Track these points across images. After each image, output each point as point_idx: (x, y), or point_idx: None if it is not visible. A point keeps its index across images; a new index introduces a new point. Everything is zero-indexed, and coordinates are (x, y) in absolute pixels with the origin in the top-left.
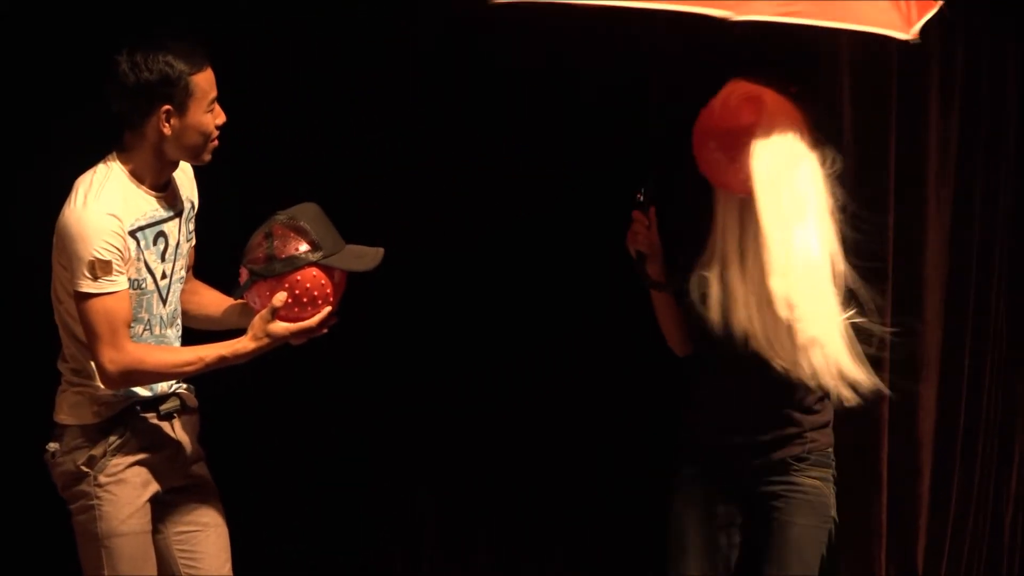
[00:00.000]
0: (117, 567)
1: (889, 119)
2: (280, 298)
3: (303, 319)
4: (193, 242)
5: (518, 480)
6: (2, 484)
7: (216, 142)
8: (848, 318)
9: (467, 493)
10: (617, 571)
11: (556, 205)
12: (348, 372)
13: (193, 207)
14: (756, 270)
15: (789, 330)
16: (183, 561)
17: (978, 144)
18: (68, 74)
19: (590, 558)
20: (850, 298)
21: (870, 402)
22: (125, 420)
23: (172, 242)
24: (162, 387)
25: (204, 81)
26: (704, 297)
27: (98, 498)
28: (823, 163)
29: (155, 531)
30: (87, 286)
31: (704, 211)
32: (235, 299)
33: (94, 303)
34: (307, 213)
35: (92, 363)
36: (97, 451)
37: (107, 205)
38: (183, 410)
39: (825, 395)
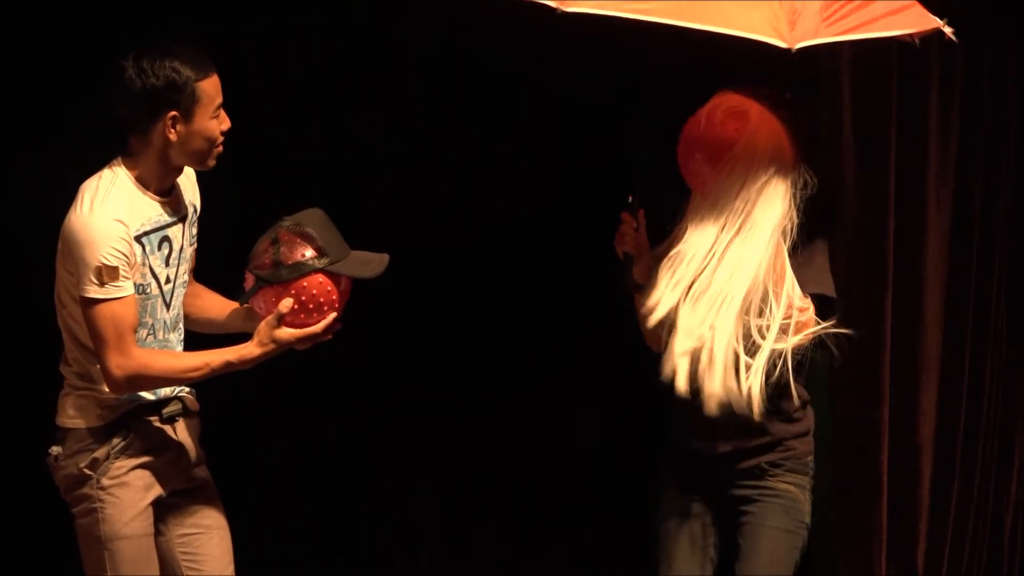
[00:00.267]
0: (120, 570)
1: (889, 119)
2: (286, 304)
3: (309, 325)
4: (195, 246)
5: (518, 480)
6: (4, 487)
7: (221, 148)
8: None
9: (467, 493)
10: (617, 571)
11: (555, 205)
12: (348, 372)
13: (196, 211)
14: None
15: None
16: (186, 563)
17: (978, 144)
18: (69, 76)
19: (590, 558)
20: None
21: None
22: (128, 423)
23: (176, 247)
24: (165, 391)
25: (210, 87)
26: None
27: (101, 501)
28: (795, 184)
29: (157, 534)
30: (94, 292)
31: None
32: (240, 304)
33: (101, 308)
34: (313, 219)
35: (96, 367)
36: (100, 454)
37: (113, 211)
38: (185, 413)
39: (806, 403)
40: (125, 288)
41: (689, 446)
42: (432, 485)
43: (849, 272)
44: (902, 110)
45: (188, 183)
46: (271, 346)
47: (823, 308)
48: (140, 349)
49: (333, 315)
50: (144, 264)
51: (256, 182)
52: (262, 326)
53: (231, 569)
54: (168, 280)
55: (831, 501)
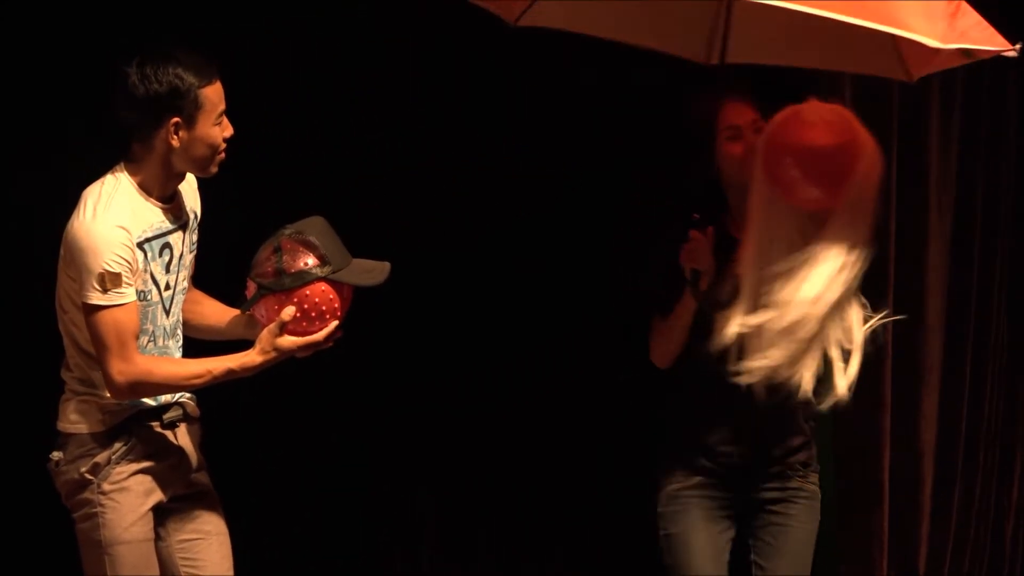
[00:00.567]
0: (120, 574)
1: (889, 119)
2: (289, 312)
3: (311, 333)
4: (195, 252)
5: (518, 480)
6: (5, 492)
7: (224, 155)
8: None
9: (467, 493)
10: (617, 571)
11: (556, 205)
12: (348, 372)
13: (196, 217)
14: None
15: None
16: (186, 569)
17: (978, 144)
18: (70, 79)
19: (590, 558)
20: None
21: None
22: (129, 428)
23: (176, 253)
24: (165, 397)
25: (213, 94)
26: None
27: (101, 506)
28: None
29: (158, 539)
30: (97, 298)
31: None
32: (242, 312)
33: (103, 315)
34: (315, 227)
35: (97, 372)
36: (101, 459)
37: (116, 217)
38: (186, 419)
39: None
40: (128, 295)
41: (713, 450)
42: (432, 485)
43: None
44: (902, 111)
45: (189, 189)
46: (273, 354)
47: None
48: (142, 356)
49: (335, 323)
50: (145, 271)
51: (255, 182)
52: (264, 334)
53: (231, 574)
54: (168, 287)
55: (833, 506)
